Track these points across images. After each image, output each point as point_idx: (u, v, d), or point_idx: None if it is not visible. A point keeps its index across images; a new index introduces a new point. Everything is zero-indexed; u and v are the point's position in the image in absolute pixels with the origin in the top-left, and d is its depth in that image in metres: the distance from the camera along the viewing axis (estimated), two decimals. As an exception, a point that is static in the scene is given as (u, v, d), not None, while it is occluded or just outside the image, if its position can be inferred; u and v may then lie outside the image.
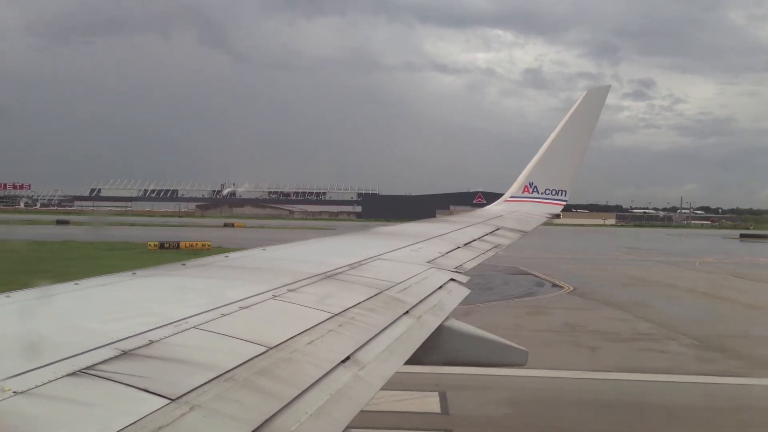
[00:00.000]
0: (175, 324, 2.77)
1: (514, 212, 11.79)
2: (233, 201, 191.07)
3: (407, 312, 3.93)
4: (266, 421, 2.12)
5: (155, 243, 50.37)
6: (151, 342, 2.51)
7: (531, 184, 12.45)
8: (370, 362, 2.94)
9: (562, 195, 12.42)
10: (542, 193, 12.39)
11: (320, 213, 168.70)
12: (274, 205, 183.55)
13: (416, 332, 3.67)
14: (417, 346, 3.47)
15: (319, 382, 2.53)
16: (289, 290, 3.80)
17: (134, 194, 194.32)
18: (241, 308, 3.23)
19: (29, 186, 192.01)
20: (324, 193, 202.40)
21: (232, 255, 5.18)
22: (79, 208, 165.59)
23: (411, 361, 3.33)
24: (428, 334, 3.76)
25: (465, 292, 5.07)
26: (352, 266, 4.94)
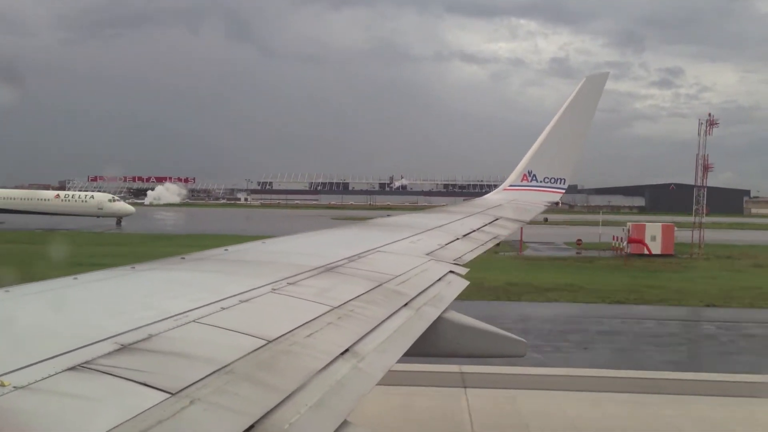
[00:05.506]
0: (174, 318, 2.77)
1: (513, 201, 11.78)
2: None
3: (406, 304, 3.94)
4: (266, 414, 2.12)
5: None
6: (151, 336, 2.51)
7: (530, 173, 12.41)
8: (369, 354, 2.95)
9: (561, 183, 12.39)
10: (541, 182, 12.36)
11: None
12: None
13: (415, 324, 3.67)
14: (416, 338, 3.48)
15: (318, 375, 2.54)
16: (289, 283, 3.80)
17: (302, 187, 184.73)
18: (241, 302, 3.23)
19: (194, 180, 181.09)
20: (493, 186, 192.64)
21: (231, 248, 5.18)
22: (293, 201, 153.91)
23: (410, 353, 3.34)
24: (427, 326, 3.77)
25: (464, 284, 5.07)
26: (351, 259, 4.94)
